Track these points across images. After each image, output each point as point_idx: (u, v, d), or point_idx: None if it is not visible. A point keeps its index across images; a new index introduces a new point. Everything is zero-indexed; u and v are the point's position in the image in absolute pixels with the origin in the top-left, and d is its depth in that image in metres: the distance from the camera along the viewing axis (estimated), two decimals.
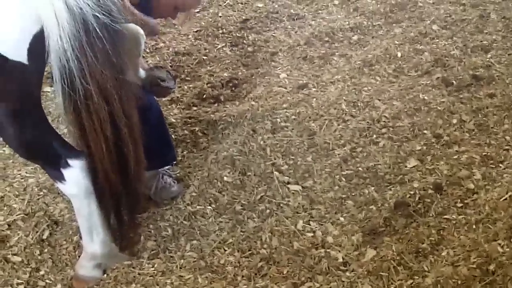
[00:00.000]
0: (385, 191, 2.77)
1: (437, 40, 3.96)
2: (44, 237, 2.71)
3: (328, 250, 2.51)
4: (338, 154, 3.03)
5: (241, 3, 4.89)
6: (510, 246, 2.32)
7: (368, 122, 3.21)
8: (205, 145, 3.25)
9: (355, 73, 3.69)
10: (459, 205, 2.61)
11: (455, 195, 2.67)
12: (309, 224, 2.67)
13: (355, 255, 2.47)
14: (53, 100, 3.42)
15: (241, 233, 2.66)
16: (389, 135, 3.12)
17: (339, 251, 2.49)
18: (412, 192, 2.70)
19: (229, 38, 4.40)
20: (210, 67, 4.05)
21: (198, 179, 2.95)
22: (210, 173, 2.96)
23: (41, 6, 1.99)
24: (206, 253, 2.58)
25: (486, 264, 2.27)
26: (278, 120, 3.28)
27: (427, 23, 4.18)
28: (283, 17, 4.61)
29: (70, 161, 2.24)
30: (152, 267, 2.53)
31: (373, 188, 2.80)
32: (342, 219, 2.67)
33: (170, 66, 4.03)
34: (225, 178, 2.92)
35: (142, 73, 2.73)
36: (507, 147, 2.95)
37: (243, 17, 4.68)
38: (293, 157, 3.04)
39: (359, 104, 3.37)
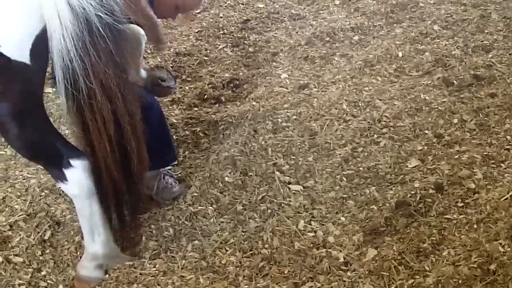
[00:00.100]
0: (386, 191, 2.77)
1: (438, 40, 3.96)
2: (46, 237, 2.71)
3: (329, 250, 2.51)
4: (339, 154, 3.03)
5: (242, 4, 4.90)
6: (511, 245, 2.31)
7: (369, 122, 3.21)
8: (206, 145, 3.25)
9: (356, 73, 3.69)
10: (460, 204, 2.61)
11: (456, 194, 2.66)
12: (310, 224, 2.67)
13: (356, 255, 2.47)
14: (54, 101, 3.44)
15: (243, 233, 2.66)
16: (390, 135, 3.12)
17: (340, 251, 2.49)
18: (413, 192, 2.70)
19: (230, 39, 4.40)
20: (211, 67, 4.06)
21: (199, 179, 2.95)
22: (211, 173, 2.96)
23: (44, 6, 1.99)
24: (208, 253, 2.58)
25: (487, 263, 2.26)
26: (279, 120, 3.28)
27: (428, 23, 4.18)
28: (284, 17, 4.62)
29: (72, 161, 2.25)
30: (154, 267, 2.53)
31: (374, 188, 2.80)
32: (343, 219, 2.68)
33: (171, 66, 4.04)
34: (226, 178, 2.93)
35: (143, 73, 2.74)
36: (508, 147, 2.95)
37: (244, 18, 4.68)
38: (294, 157, 3.04)
39: (360, 104, 3.37)
